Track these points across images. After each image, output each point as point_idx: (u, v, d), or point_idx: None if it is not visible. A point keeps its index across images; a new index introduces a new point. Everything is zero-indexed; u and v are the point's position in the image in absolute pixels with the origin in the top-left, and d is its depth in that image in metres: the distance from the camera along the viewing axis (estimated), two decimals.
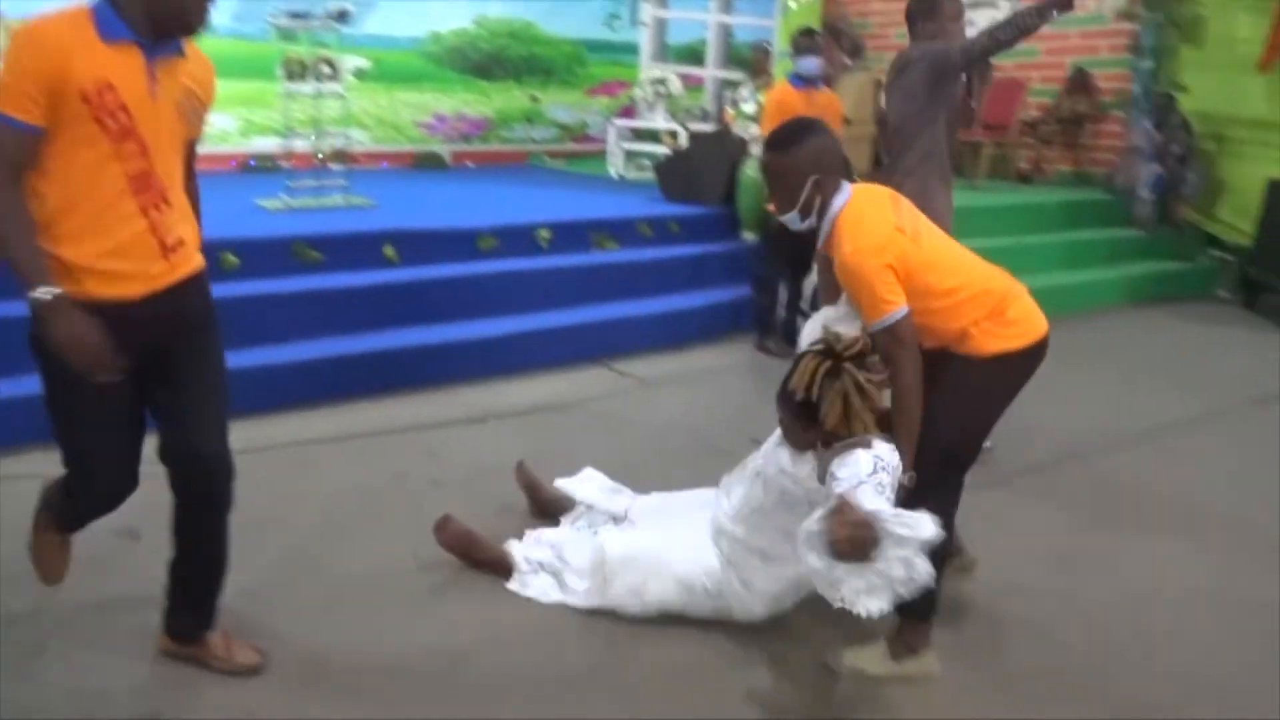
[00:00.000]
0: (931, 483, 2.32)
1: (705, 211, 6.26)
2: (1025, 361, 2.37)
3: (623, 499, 3.01)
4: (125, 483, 2.20)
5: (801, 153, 2.38)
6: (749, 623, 2.60)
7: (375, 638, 2.53)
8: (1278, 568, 3.12)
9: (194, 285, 2.16)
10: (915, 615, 2.40)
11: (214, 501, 2.22)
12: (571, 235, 5.60)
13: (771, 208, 5.21)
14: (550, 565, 2.77)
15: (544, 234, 5.46)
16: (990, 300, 2.34)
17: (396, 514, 3.24)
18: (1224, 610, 2.86)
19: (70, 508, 2.30)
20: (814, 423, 2.32)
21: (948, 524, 2.40)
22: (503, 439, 3.97)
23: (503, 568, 2.82)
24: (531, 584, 2.78)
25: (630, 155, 8.25)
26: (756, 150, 5.99)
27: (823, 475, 2.33)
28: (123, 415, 2.13)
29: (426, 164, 8.72)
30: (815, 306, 5.92)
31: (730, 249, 6.08)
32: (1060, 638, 2.69)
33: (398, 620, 2.62)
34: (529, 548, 2.84)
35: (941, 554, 2.35)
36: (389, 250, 4.91)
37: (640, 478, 3.15)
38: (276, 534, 3.04)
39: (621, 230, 5.82)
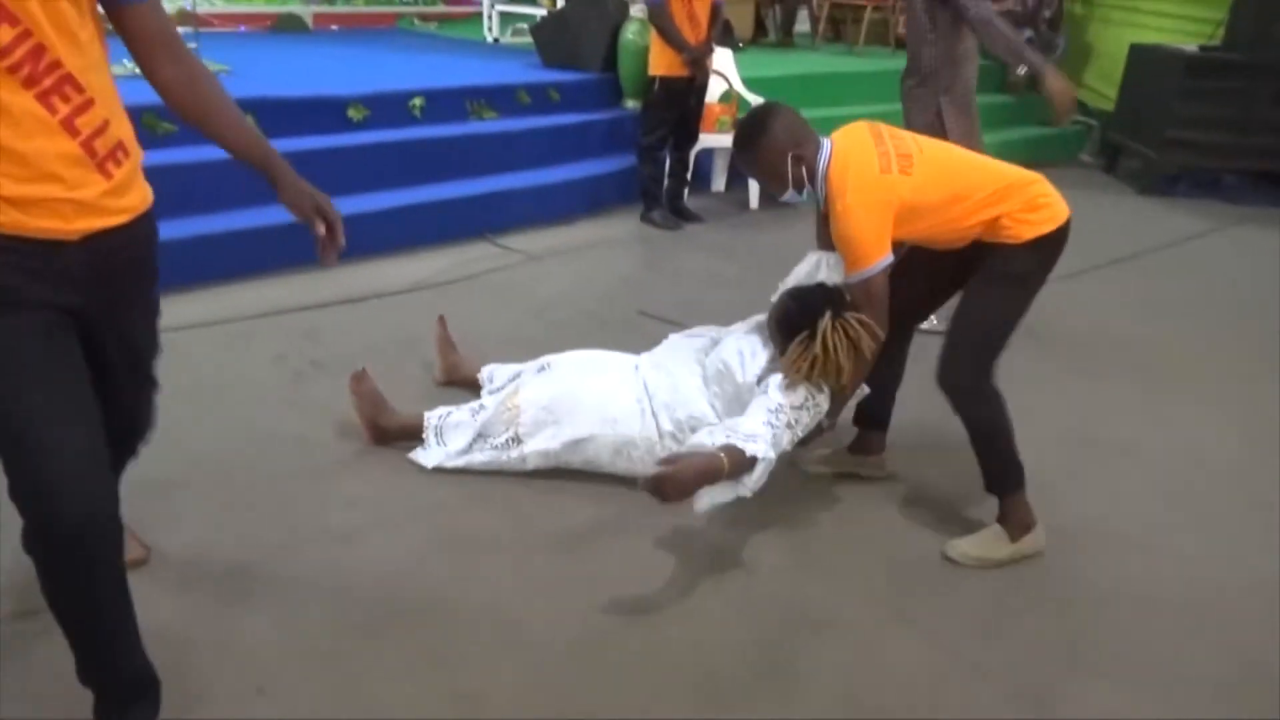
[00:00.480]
0: (973, 371, 2.42)
1: (586, 78, 6.07)
2: (1056, 244, 2.42)
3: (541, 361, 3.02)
4: (93, 480, 1.51)
5: (768, 140, 2.41)
6: (644, 466, 2.65)
7: (261, 523, 2.47)
8: (1133, 408, 3.37)
9: (148, 223, 1.67)
10: (1012, 489, 2.48)
11: (126, 458, 2.00)
12: (446, 104, 5.35)
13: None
14: (464, 416, 2.76)
15: (417, 103, 5.20)
16: (1014, 192, 2.38)
17: (275, 398, 3.14)
18: (1074, 448, 3.08)
19: (40, 569, 1.56)
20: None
21: (1000, 403, 2.45)
22: (385, 318, 3.86)
23: (412, 431, 2.80)
24: (443, 441, 2.76)
25: (506, 18, 7.88)
26: (637, 12, 5.81)
27: (762, 377, 2.47)
28: (68, 374, 1.53)
29: (286, 27, 8.15)
30: (697, 175, 5.89)
31: (613, 117, 5.95)
32: (924, 477, 2.85)
33: (284, 503, 2.56)
34: (442, 408, 2.83)
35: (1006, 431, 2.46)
36: (249, 121, 4.60)
37: (527, 353, 3.12)
38: None
39: (499, 98, 5.60)
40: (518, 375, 2.94)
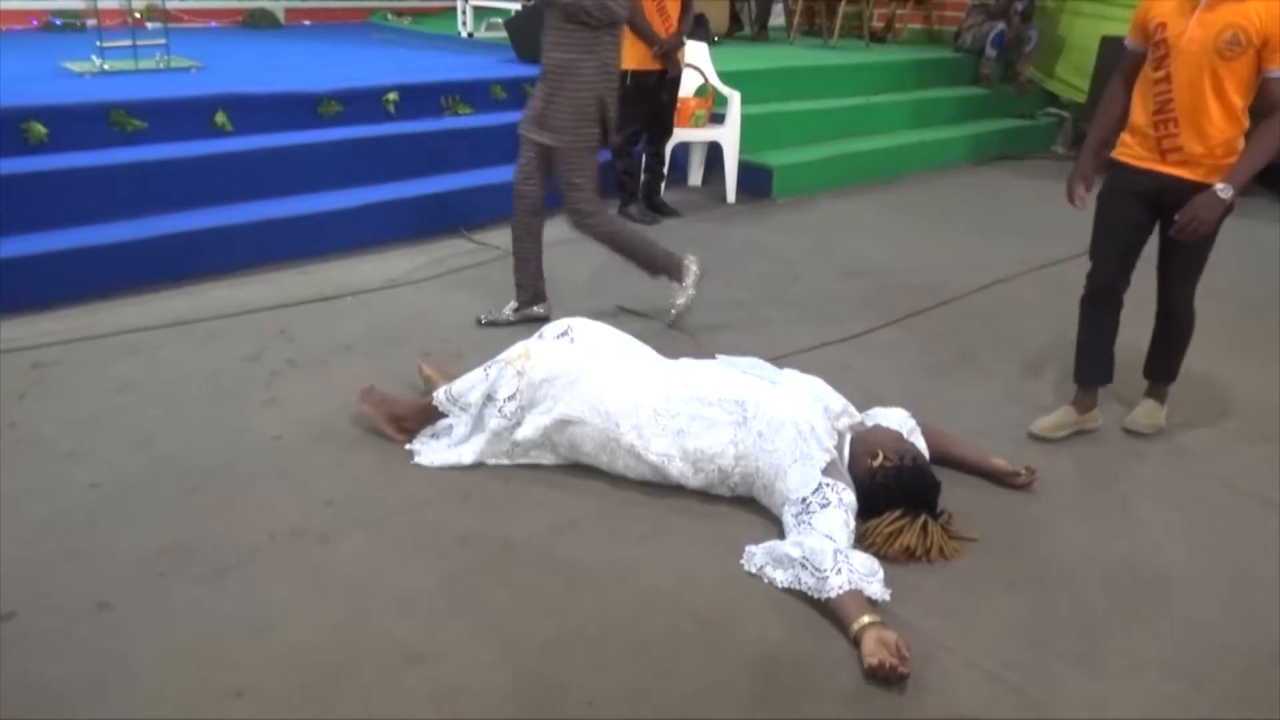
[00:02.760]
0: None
1: None
2: None
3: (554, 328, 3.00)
4: None
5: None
6: (626, 476, 2.67)
7: (237, 524, 2.45)
8: (1106, 395, 3.39)
9: None
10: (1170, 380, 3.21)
11: None
12: (421, 99, 5.33)
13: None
14: (477, 375, 2.76)
15: (391, 98, 5.17)
16: None
17: (250, 397, 3.11)
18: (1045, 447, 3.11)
19: None
20: (867, 499, 2.48)
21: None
22: (360, 315, 3.84)
23: (429, 411, 2.84)
24: (443, 434, 2.79)
25: (479, 12, 7.84)
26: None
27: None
28: None
29: (257, 22, 8.08)
30: (669, 167, 5.89)
31: None
32: None
33: (260, 504, 2.54)
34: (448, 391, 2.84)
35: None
36: (221, 117, 4.56)
37: (504, 349, 3.11)
38: (121, 426, 2.88)
39: (473, 93, 5.57)
40: (540, 335, 2.96)
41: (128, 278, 3.85)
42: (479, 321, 3.80)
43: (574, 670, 2.02)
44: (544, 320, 3.71)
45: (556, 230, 5.12)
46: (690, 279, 3.81)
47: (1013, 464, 2.81)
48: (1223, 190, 2.73)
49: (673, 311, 3.83)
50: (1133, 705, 2.01)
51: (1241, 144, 2.79)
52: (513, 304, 3.85)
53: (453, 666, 2.01)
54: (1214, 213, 2.76)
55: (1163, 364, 3.21)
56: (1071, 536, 2.60)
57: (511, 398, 2.69)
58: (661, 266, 3.82)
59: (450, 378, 2.93)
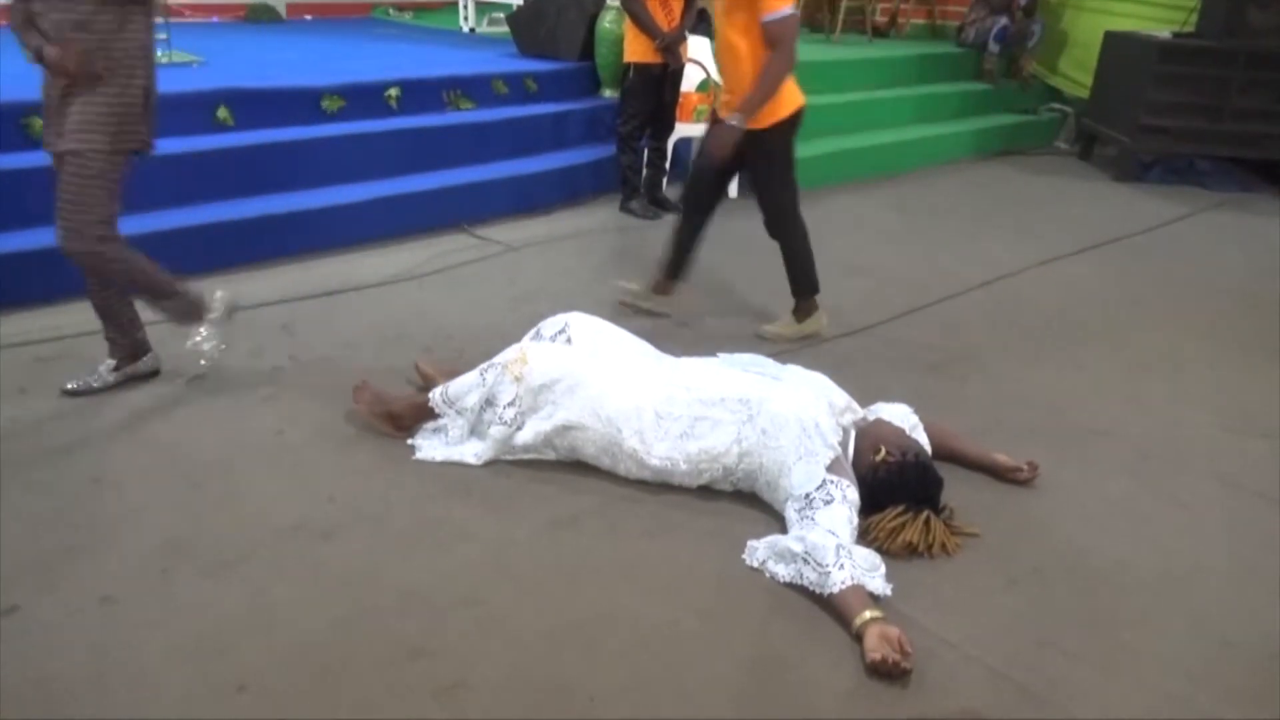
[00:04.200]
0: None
1: (563, 67, 6.04)
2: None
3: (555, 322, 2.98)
4: None
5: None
6: (628, 476, 2.67)
7: (239, 521, 2.45)
8: (1109, 391, 3.40)
9: None
10: (807, 292, 3.73)
11: None
12: (423, 94, 5.32)
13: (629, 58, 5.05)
14: (473, 378, 2.74)
15: (393, 93, 5.17)
16: None
17: (253, 393, 3.11)
18: (1051, 430, 3.10)
19: None
20: (870, 494, 2.49)
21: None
22: (362, 311, 3.84)
23: (424, 410, 2.82)
24: (442, 432, 2.78)
25: (482, 7, 7.83)
26: (613, 0, 5.78)
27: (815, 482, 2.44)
28: None
29: (259, 17, 8.06)
30: (674, 164, 5.89)
31: (590, 107, 5.93)
32: None
33: (263, 501, 2.54)
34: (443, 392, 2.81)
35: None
36: (223, 112, 4.55)
37: (506, 346, 3.11)
38: (122, 421, 2.88)
39: (476, 88, 5.57)
40: (537, 333, 2.93)
41: None
42: (66, 390, 3.02)
43: (575, 666, 2.02)
44: (153, 375, 3.16)
45: (557, 226, 5.13)
46: (214, 314, 3.13)
47: (1014, 460, 2.81)
48: (733, 119, 3.32)
49: (201, 361, 3.15)
50: (1134, 701, 2.01)
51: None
52: (110, 362, 3.10)
53: (454, 662, 2.01)
54: (726, 138, 3.34)
55: (792, 278, 3.75)
56: (1073, 532, 2.60)
57: (511, 404, 2.68)
58: (193, 304, 3.10)
59: (449, 376, 2.91)
